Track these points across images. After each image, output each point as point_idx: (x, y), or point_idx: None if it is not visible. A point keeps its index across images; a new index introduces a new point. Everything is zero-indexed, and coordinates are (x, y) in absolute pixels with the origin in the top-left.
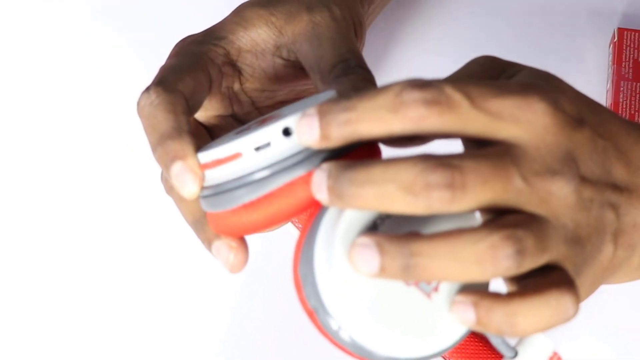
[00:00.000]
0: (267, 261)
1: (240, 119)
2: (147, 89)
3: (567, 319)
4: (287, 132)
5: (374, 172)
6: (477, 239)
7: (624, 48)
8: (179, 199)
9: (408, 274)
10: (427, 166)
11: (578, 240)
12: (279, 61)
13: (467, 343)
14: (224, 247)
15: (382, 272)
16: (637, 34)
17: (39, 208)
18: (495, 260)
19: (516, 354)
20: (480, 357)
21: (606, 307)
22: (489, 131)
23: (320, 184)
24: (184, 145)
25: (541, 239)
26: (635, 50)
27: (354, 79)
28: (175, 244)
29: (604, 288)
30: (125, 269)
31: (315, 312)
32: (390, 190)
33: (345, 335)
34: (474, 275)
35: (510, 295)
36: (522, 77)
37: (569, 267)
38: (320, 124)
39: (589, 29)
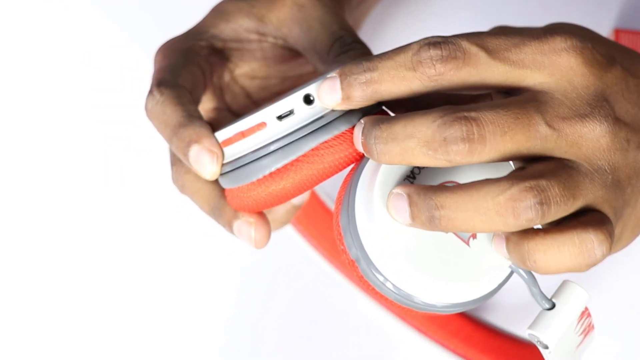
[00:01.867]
0: (266, 261)
1: (236, 112)
2: (150, 92)
3: (592, 259)
4: (308, 99)
5: (396, 129)
6: (498, 191)
7: None
8: (193, 192)
9: (434, 225)
10: (444, 120)
11: (617, 183)
12: (265, 44)
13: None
14: (244, 225)
15: (413, 221)
16: (634, 35)
17: (39, 207)
18: (516, 212)
19: (553, 305)
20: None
21: (609, 305)
22: (512, 80)
23: (356, 139)
24: (197, 129)
25: (569, 186)
26: None
27: (353, 55)
28: (175, 243)
29: (605, 287)
30: (126, 269)
31: (356, 262)
32: (411, 146)
33: (387, 283)
34: (498, 226)
35: (535, 232)
36: (544, 26)
37: (608, 210)
38: (342, 85)
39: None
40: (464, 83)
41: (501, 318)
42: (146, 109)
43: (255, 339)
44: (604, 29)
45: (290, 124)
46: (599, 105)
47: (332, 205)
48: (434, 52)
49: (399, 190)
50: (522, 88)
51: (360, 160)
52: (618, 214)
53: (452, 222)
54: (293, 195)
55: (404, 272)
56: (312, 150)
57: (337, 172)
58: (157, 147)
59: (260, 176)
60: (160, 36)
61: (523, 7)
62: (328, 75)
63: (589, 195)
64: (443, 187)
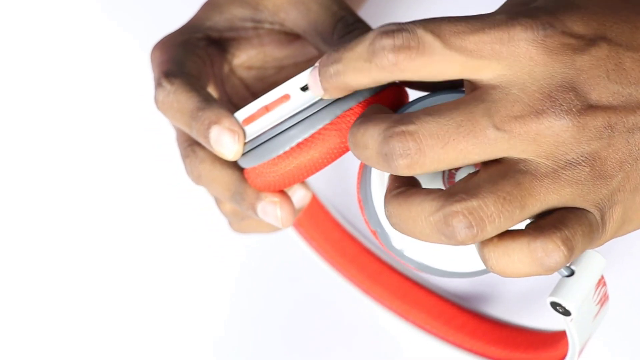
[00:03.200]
0: (266, 262)
1: (236, 105)
2: (158, 85)
3: (546, 267)
4: None
5: (357, 137)
6: (430, 211)
7: None
8: (210, 180)
9: (392, 226)
10: (384, 136)
11: (599, 174)
12: (262, 31)
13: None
14: (269, 205)
15: None
16: None
17: (38, 206)
18: (447, 234)
19: (572, 272)
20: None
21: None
22: (469, 71)
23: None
24: (216, 111)
25: (515, 198)
26: None
27: (358, 34)
28: (174, 243)
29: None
30: (124, 271)
31: (376, 233)
32: (367, 156)
33: (405, 253)
34: (439, 241)
35: (492, 237)
36: (520, 9)
37: (585, 204)
38: (320, 78)
39: None
40: (419, 73)
41: (502, 310)
42: (157, 101)
43: (255, 338)
44: None
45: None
46: (562, 96)
47: (331, 209)
48: (386, 42)
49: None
50: (478, 81)
51: None
52: (605, 204)
53: (403, 231)
54: (320, 167)
55: (420, 244)
56: (338, 117)
57: None
58: (156, 147)
59: (288, 148)
60: (158, 34)
61: None
62: (315, 65)
63: (551, 196)
64: (395, 194)
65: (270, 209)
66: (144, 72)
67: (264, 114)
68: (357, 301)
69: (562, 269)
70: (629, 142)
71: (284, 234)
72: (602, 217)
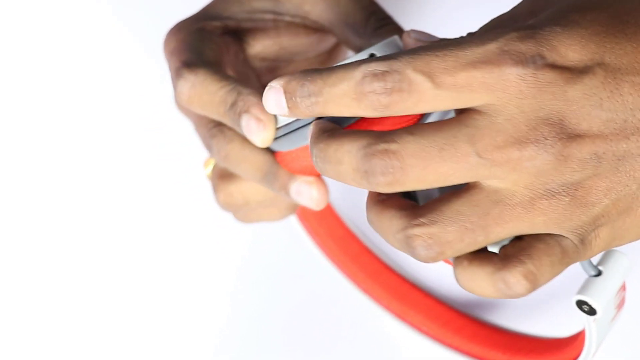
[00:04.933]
0: (268, 257)
1: None
2: (179, 76)
3: (509, 296)
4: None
5: (329, 152)
6: (396, 229)
7: None
8: (240, 160)
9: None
10: (365, 153)
11: (579, 201)
12: (281, 24)
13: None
14: (304, 185)
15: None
16: None
17: (37, 205)
18: (412, 252)
19: (599, 272)
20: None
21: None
22: (460, 104)
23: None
24: (246, 99)
25: (478, 226)
26: None
27: (392, 30)
28: (175, 243)
29: None
30: (125, 270)
31: None
32: (342, 171)
33: None
34: (406, 253)
35: (462, 258)
36: (552, 10)
37: (561, 231)
38: (287, 103)
39: None
40: (411, 111)
41: (502, 316)
42: (181, 93)
43: (255, 337)
44: None
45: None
46: (547, 129)
47: (336, 207)
48: (377, 85)
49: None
50: (469, 109)
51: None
52: (586, 229)
53: (380, 235)
54: None
55: None
56: None
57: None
58: (157, 144)
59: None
60: (157, 33)
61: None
62: (272, 84)
63: (521, 224)
64: (372, 203)
65: (305, 189)
66: (143, 72)
67: None
68: (358, 300)
69: (589, 269)
70: (618, 169)
71: (286, 228)
72: (583, 240)
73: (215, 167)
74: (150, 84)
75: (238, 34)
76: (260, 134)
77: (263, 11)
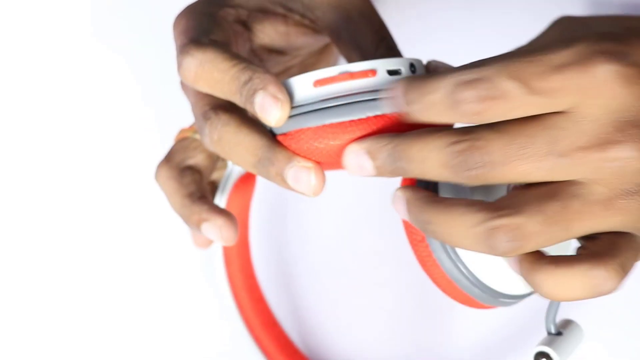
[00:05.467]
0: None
1: None
2: (186, 53)
3: (601, 292)
4: (413, 67)
5: (413, 152)
6: (474, 222)
7: None
8: (234, 144)
9: (429, 236)
10: (452, 149)
11: None
12: (291, 21)
13: None
14: (302, 171)
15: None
16: None
17: (35, 208)
18: (491, 246)
19: (560, 333)
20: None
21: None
22: (552, 108)
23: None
24: (262, 76)
25: (561, 219)
26: None
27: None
28: (174, 243)
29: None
30: (123, 272)
31: (427, 239)
32: (430, 167)
33: (458, 263)
34: (480, 250)
35: (547, 262)
36: (602, 27)
37: (636, 231)
38: (397, 109)
39: None
40: (505, 117)
41: None
42: (187, 70)
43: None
44: None
45: (396, 80)
46: (632, 130)
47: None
48: (468, 94)
49: (399, 195)
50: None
51: None
52: None
53: (441, 238)
54: None
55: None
56: None
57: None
58: (153, 146)
59: (371, 115)
60: (159, 36)
61: (522, 5)
62: (393, 87)
63: (599, 222)
64: (434, 201)
65: (303, 175)
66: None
67: (347, 79)
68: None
69: (552, 327)
70: None
71: (283, 233)
72: None
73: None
74: (149, 84)
75: (247, 24)
76: (276, 113)
77: (274, 3)
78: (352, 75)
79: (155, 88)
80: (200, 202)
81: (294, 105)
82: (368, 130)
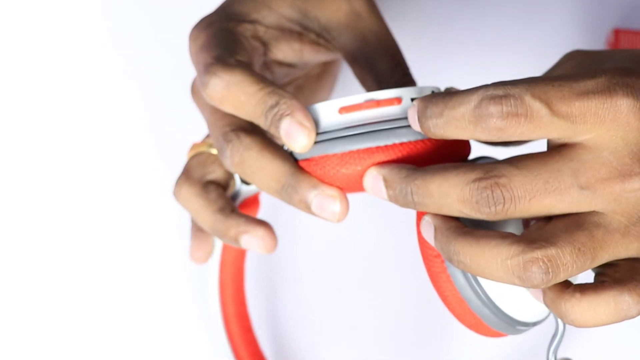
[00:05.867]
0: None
1: None
2: (211, 73)
3: (628, 316)
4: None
5: (432, 188)
6: (507, 255)
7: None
8: (257, 169)
9: (456, 266)
10: (476, 186)
11: None
12: (306, 39)
13: None
14: (327, 199)
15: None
16: (634, 35)
17: (37, 205)
18: (523, 278)
19: None
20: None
21: None
22: (572, 134)
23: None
24: (289, 102)
25: (587, 249)
26: None
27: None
28: (173, 244)
29: None
30: (122, 273)
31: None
32: (448, 203)
33: (476, 286)
34: (509, 282)
35: (572, 291)
36: (617, 61)
37: None
38: (419, 123)
39: (584, 29)
40: (525, 137)
41: None
42: (213, 91)
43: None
44: (604, 29)
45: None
46: None
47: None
48: (494, 109)
49: (428, 221)
50: (568, 141)
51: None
52: None
53: (469, 269)
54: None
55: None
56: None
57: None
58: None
59: (397, 142)
60: (157, 36)
61: (522, 5)
62: (413, 105)
63: (619, 249)
64: (465, 232)
65: (328, 203)
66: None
67: (373, 107)
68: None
69: (552, 357)
70: None
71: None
72: None
73: (193, 160)
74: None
75: (263, 41)
76: (302, 140)
77: (291, 20)
78: (378, 103)
79: (156, 90)
80: (234, 216)
81: (319, 131)
82: (392, 156)
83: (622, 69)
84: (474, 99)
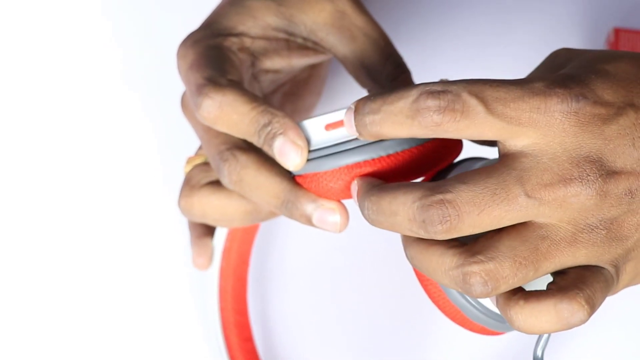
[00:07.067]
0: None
1: None
2: (204, 94)
3: (569, 325)
4: None
5: (383, 205)
6: (449, 266)
7: (620, 48)
8: (255, 187)
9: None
10: (422, 204)
11: (615, 235)
12: (293, 44)
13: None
14: (328, 213)
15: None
16: (634, 34)
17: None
18: (466, 288)
19: None
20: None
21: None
22: (507, 136)
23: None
24: (282, 121)
25: (530, 260)
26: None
27: (405, 80)
28: (174, 250)
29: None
30: (121, 273)
31: None
32: (397, 222)
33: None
34: (457, 289)
35: (517, 297)
36: (580, 63)
37: (600, 263)
38: (355, 121)
39: (584, 29)
40: (460, 134)
41: None
42: (206, 112)
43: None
44: (604, 29)
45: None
46: (589, 166)
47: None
48: (432, 103)
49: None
50: (511, 146)
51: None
52: (620, 261)
53: (422, 271)
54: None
55: None
56: (432, 142)
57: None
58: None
59: (384, 154)
60: (156, 36)
61: (522, 5)
62: (350, 106)
63: (566, 258)
64: (416, 241)
65: (329, 216)
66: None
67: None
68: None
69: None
70: None
71: (286, 232)
72: (617, 272)
73: (192, 170)
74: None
75: (251, 52)
76: (295, 158)
77: (276, 29)
78: None
79: (155, 90)
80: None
81: (309, 149)
82: (380, 167)
83: (565, 75)
84: (413, 94)
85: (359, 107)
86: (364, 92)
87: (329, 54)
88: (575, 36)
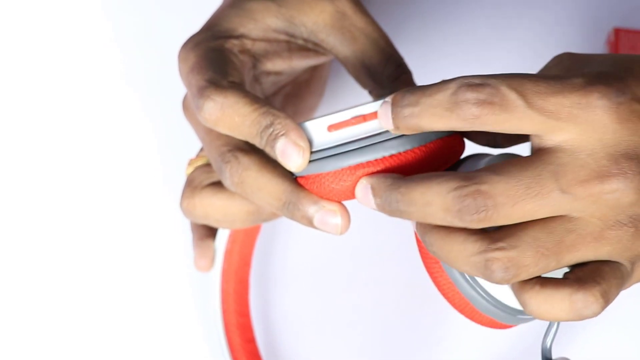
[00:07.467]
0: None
1: None
2: (205, 96)
3: (582, 316)
4: None
5: (414, 195)
6: (472, 252)
7: (620, 48)
8: (257, 189)
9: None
10: (458, 194)
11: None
12: (294, 46)
13: None
14: (329, 214)
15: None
16: (634, 34)
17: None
18: (487, 274)
19: None
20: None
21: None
22: (545, 130)
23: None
24: (283, 122)
25: (552, 252)
26: (632, 51)
27: (406, 81)
28: (176, 252)
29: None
30: (121, 273)
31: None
32: (430, 212)
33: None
34: (477, 275)
35: (533, 283)
36: (598, 65)
37: (619, 259)
38: (392, 114)
39: (584, 29)
40: (498, 127)
41: None
42: (208, 114)
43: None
44: (604, 29)
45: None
46: (627, 163)
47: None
48: (471, 95)
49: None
50: (548, 141)
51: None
52: (638, 259)
53: (442, 260)
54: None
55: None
56: (434, 142)
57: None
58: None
59: (387, 154)
60: (156, 37)
61: (522, 5)
62: (386, 99)
63: (589, 252)
64: (434, 229)
65: (330, 218)
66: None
67: (361, 122)
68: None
69: (547, 351)
70: None
71: (286, 232)
72: (633, 268)
73: (194, 172)
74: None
75: (252, 54)
76: (297, 159)
77: (277, 31)
78: (364, 118)
79: (156, 90)
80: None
81: (312, 150)
82: (383, 168)
83: (601, 72)
84: (452, 86)
85: (396, 99)
86: (365, 93)
87: (330, 55)
88: (575, 36)
